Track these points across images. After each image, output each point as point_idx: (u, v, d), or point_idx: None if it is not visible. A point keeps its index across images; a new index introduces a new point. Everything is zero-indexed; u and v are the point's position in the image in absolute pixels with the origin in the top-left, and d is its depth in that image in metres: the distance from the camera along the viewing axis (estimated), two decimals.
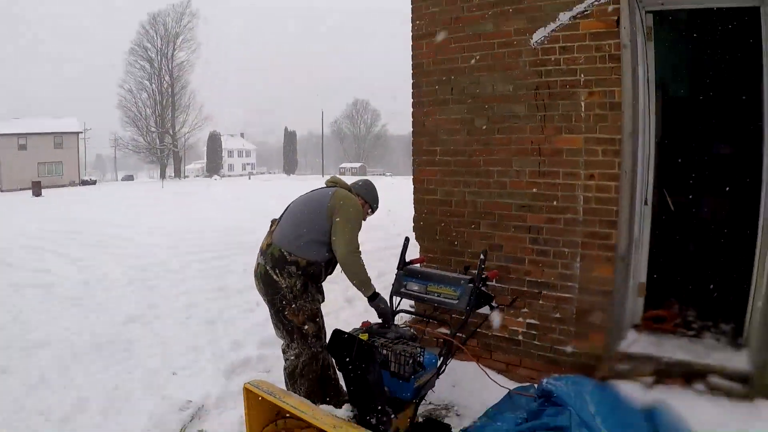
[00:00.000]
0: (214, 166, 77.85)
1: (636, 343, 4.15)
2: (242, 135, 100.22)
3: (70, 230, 11.19)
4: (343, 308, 6.35)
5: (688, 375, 3.88)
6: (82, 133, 55.71)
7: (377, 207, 4.15)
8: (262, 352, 5.19)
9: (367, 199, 4.03)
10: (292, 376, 3.88)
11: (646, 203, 4.09)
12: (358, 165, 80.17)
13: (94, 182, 49.36)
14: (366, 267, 3.75)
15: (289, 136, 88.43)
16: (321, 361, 3.91)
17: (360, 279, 3.72)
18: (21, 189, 37.82)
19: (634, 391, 3.64)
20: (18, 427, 3.89)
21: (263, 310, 6.22)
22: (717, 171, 5.39)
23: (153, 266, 8.09)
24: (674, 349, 4.04)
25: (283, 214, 3.94)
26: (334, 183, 4.02)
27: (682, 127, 5.38)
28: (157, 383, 4.58)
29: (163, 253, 9.01)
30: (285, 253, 3.68)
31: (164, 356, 5.10)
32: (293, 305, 3.71)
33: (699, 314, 4.67)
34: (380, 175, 68.10)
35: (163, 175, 61.96)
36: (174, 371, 4.81)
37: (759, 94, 3.85)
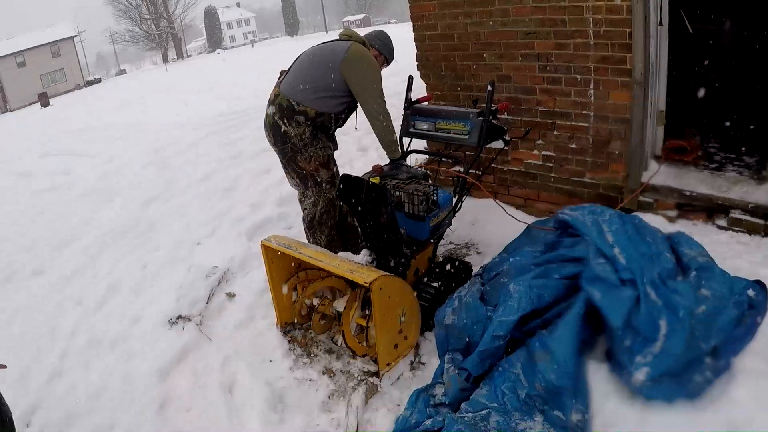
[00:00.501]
0: (215, 41, 75.19)
1: (658, 174, 4.03)
2: (238, 4, 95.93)
3: (82, 129, 11.09)
4: (356, 158, 6.34)
5: (709, 209, 3.81)
6: (77, 36, 53.95)
7: (392, 59, 3.94)
8: (281, 211, 5.26)
9: (382, 51, 3.82)
10: (311, 225, 3.90)
11: (661, 23, 3.77)
12: (361, 17, 76.55)
13: (99, 80, 48.46)
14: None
15: None
16: (338, 208, 3.90)
17: (388, 139, 3.64)
18: (29, 104, 37.57)
19: (655, 224, 3.50)
20: (57, 318, 4.09)
21: (278, 171, 6.24)
22: None
23: (166, 147, 8.01)
24: (696, 183, 3.93)
25: (292, 64, 3.76)
26: (348, 36, 3.77)
27: None
28: (182, 256, 4.68)
29: (175, 131, 8.91)
30: (293, 103, 3.56)
31: (187, 229, 5.17)
32: (304, 153, 3.65)
33: (721, 147, 4.50)
34: (385, 24, 65.32)
35: (165, 60, 60.56)
36: (198, 242, 4.90)
37: None
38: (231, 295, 4.00)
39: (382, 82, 3.61)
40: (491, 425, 2.40)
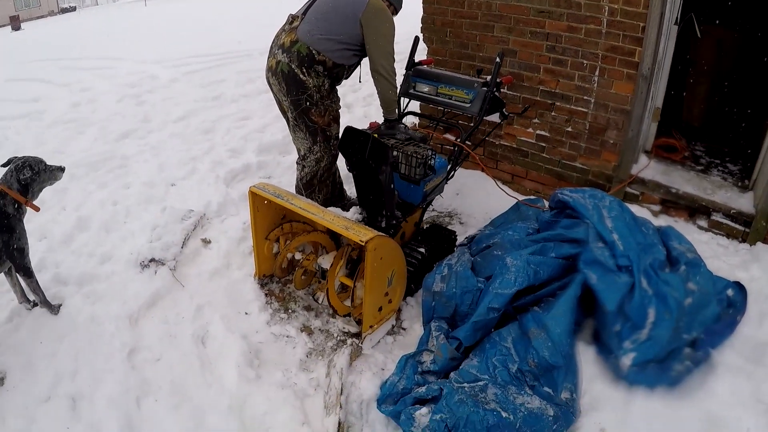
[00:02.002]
0: None
1: (647, 168, 4.08)
2: None
3: (55, 58, 10.56)
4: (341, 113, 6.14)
5: (692, 209, 3.89)
6: None
7: (401, 7, 3.73)
8: (261, 159, 5.11)
9: (392, 1, 3.60)
10: (310, 185, 3.77)
11: (676, 23, 3.77)
12: None
13: (73, 9, 46.56)
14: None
15: None
16: (337, 170, 3.80)
17: (389, 99, 3.49)
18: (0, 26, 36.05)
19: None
20: None
21: (259, 118, 6.17)
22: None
23: (143, 81, 7.71)
24: (682, 182, 3.99)
25: (307, 9, 3.55)
26: None
27: None
28: (157, 196, 4.49)
29: (152, 68, 8.57)
30: (314, 52, 3.39)
31: (162, 169, 4.97)
32: (320, 105, 3.50)
33: (708, 151, 4.58)
34: None
35: None
36: (173, 183, 4.71)
37: None
38: (207, 242, 3.85)
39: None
40: (490, 397, 2.38)
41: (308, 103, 3.49)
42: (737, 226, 3.68)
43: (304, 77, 3.42)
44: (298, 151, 3.78)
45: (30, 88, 7.87)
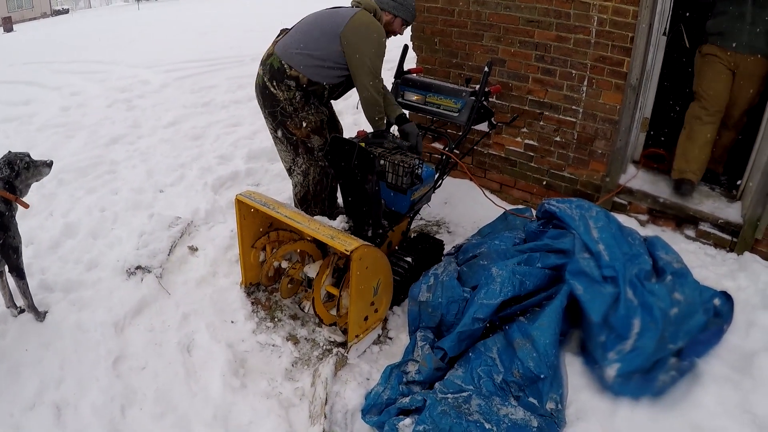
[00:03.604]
0: None
1: (635, 178, 4.09)
2: None
3: (47, 61, 10.51)
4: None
5: (680, 219, 3.90)
6: None
7: (413, 17, 3.61)
8: (250, 166, 5.09)
9: (397, 12, 3.49)
10: (304, 201, 3.74)
11: (665, 33, 3.79)
12: None
13: (66, 11, 46.36)
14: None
15: None
16: (329, 177, 3.74)
17: (372, 117, 3.46)
18: None
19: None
20: None
21: (249, 124, 6.17)
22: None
23: (134, 86, 7.69)
24: (669, 191, 4.00)
25: (295, 25, 3.52)
26: (357, 3, 3.45)
27: None
28: (144, 202, 4.47)
29: (143, 72, 8.56)
30: (285, 66, 3.35)
31: (150, 175, 4.95)
32: (294, 118, 3.45)
33: None
34: None
35: None
36: (161, 189, 4.70)
37: None
38: (193, 249, 3.83)
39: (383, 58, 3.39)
40: (473, 408, 2.37)
41: (281, 116, 3.47)
42: (725, 235, 3.70)
43: (274, 90, 3.40)
44: (285, 165, 3.77)
45: (21, 90, 7.83)
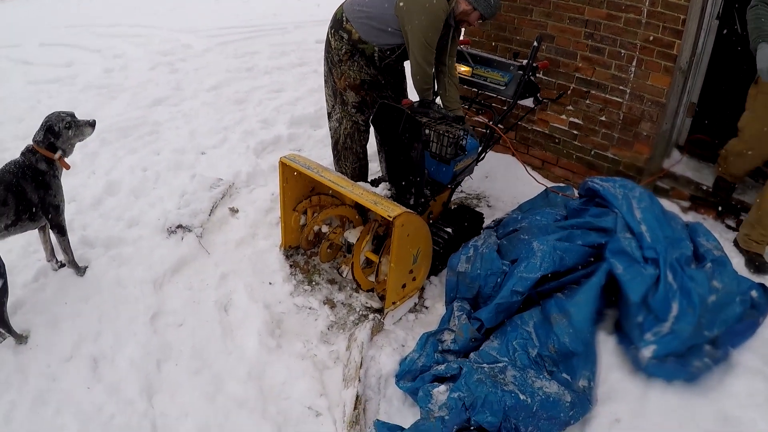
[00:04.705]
0: None
1: (679, 164, 4.05)
2: None
3: (89, 24, 10.58)
4: None
5: (721, 207, 3.84)
6: None
7: (492, 13, 3.37)
8: (293, 131, 5.13)
9: (477, 5, 3.28)
10: (335, 150, 3.80)
11: (717, 18, 3.71)
12: None
13: None
14: None
15: None
16: (363, 138, 3.75)
17: (420, 88, 3.43)
18: None
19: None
20: None
21: (293, 90, 6.22)
22: None
23: (176, 50, 7.71)
24: (712, 180, 3.93)
25: None
26: None
27: None
28: (186, 163, 4.54)
29: (186, 37, 8.58)
30: (344, 18, 3.41)
31: (192, 136, 5.01)
32: (338, 68, 3.53)
33: None
34: None
35: None
36: (203, 151, 4.76)
37: None
38: (234, 211, 3.89)
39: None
40: (509, 378, 2.39)
41: (329, 64, 3.57)
42: None
43: (331, 38, 3.50)
44: (327, 108, 3.84)
45: (63, 53, 7.87)
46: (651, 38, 3.71)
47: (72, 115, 2.98)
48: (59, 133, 2.92)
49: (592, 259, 2.84)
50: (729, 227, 3.78)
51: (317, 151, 4.77)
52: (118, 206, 3.94)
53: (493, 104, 3.88)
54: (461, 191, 4.28)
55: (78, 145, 3.12)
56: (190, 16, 10.70)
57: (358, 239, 3.09)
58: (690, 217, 3.81)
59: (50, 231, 3.13)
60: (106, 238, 3.57)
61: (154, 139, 5.00)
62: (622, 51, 3.86)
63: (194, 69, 6.90)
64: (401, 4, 3.22)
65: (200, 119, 5.39)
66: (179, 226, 3.64)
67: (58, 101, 5.79)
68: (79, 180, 4.20)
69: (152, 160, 4.59)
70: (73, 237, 3.33)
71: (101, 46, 8.21)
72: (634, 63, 3.84)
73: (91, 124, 3.05)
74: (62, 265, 3.25)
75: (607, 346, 2.71)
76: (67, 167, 3.00)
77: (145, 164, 4.50)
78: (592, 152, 4.24)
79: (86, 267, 3.27)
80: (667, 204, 3.73)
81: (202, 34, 8.74)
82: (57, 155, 2.93)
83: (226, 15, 10.53)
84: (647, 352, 2.52)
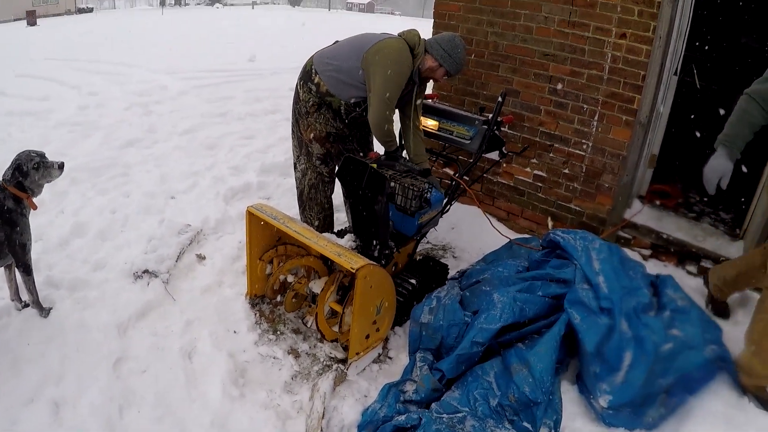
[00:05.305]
0: None
1: (640, 213, 4.15)
2: None
3: (69, 58, 10.63)
4: None
5: (682, 255, 3.94)
6: None
7: (458, 71, 3.52)
8: (262, 179, 5.18)
9: (442, 62, 3.41)
10: (300, 201, 3.86)
11: (676, 73, 3.87)
12: (366, 1, 75.95)
13: (90, 10, 46.69)
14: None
15: None
16: (327, 189, 3.82)
17: (382, 139, 3.47)
18: (15, 19, 36.01)
19: None
20: None
21: (264, 138, 6.30)
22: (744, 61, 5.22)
23: (153, 91, 7.81)
24: (674, 228, 4.06)
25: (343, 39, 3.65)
26: (401, 33, 3.48)
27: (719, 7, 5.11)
28: (156, 207, 4.54)
29: (163, 78, 8.68)
30: (313, 71, 3.51)
31: (163, 180, 5.03)
32: (304, 120, 3.60)
33: (701, 199, 4.67)
34: (388, 14, 65.02)
35: (163, 3, 59.09)
36: (173, 195, 4.77)
37: None
38: (201, 257, 3.90)
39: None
40: (467, 428, 2.41)
41: (297, 114, 3.64)
42: None
43: (299, 89, 3.59)
44: (293, 158, 3.88)
45: (39, 86, 7.90)
46: (612, 93, 3.85)
47: (42, 156, 2.98)
48: (27, 172, 2.91)
49: (553, 310, 2.90)
50: (690, 273, 3.86)
51: (286, 200, 4.81)
52: (85, 248, 3.92)
53: (460, 157, 3.97)
54: (427, 242, 4.33)
55: (48, 183, 3.11)
56: (170, 57, 10.82)
57: (322, 290, 3.10)
58: (651, 265, 3.89)
59: (16, 270, 3.10)
60: (71, 279, 3.53)
61: (125, 181, 5.01)
62: (585, 106, 4.00)
63: (169, 111, 6.97)
64: (367, 57, 3.32)
65: (171, 163, 5.42)
66: (146, 271, 3.63)
67: (30, 136, 5.81)
68: (46, 219, 4.18)
69: (122, 202, 4.59)
70: (38, 277, 3.30)
71: (79, 81, 8.25)
72: (596, 117, 3.98)
73: (60, 167, 3.03)
74: (26, 305, 3.21)
75: (570, 395, 2.76)
76: (35, 207, 2.99)
77: (115, 206, 4.50)
78: (556, 204, 4.35)
79: (50, 308, 3.23)
80: (628, 253, 3.82)
81: (179, 75, 8.86)
82: (27, 195, 2.92)
83: (205, 57, 10.68)
84: (603, 401, 2.58)
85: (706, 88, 5.31)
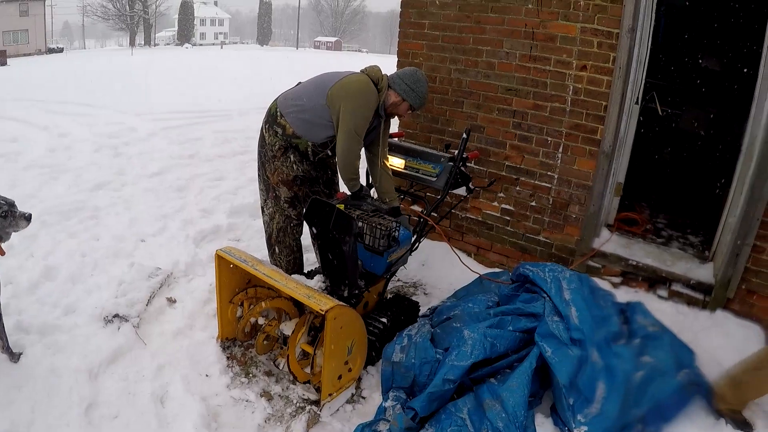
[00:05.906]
0: (185, 35, 74.13)
1: (608, 242, 4.20)
2: (216, 3, 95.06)
3: (38, 99, 10.58)
4: None
5: (652, 280, 4.00)
6: None
7: (421, 104, 3.60)
8: (232, 221, 5.17)
9: (405, 96, 3.49)
10: (269, 244, 3.85)
11: (637, 102, 3.97)
12: (333, 39, 77.49)
13: (61, 50, 46.72)
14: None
15: (265, 6, 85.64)
16: (296, 232, 3.82)
17: (346, 177, 3.51)
18: None
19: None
20: None
21: (233, 179, 6.31)
22: (705, 84, 5.39)
23: (122, 133, 7.80)
24: (643, 254, 4.12)
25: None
26: (363, 70, 3.54)
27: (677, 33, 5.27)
28: (125, 250, 4.50)
29: (132, 120, 8.68)
30: (278, 113, 3.51)
31: (133, 223, 5.00)
32: (271, 164, 3.60)
33: (669, 223, 4.77)
34: (356, 51, 66.20)
35: (132, 43, 59.41)
36: (143, 239, 4.74)
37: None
38: (172, 301, 3.86)
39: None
40: None
41: (263, 158, 3.64)
42: (697, 294, 3.80)
43: (265, 132, 3.58)
44: (260, 201, 3.87)
45: (9, 127, 7.84)
46: (575, 125, 3.95)
47: (11, 205, 2.96)
48: None
49: (524, 344, 2.92)
50: (661, 297, 3.91)
51: (256, 242, 4.80)
52: (55, 291, 3.85)
53: (428, 194, 4.02)
54: (398, 279, 4.35)
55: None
56: (139, 98, 10.83)
57: (293, 331, 3.10)
58: (622, 292, 3.93)
59: None
60: (41, 324, 3.47)
61: (94, 224, 4.96)
62: (549, 138, 4.09)
63: (138, 153, 6.95)
64: (332, 94, 3.36)
65: (141, 206, 5.40)
66: (116, 316, 3.57)
67: (1, 178, 5.72)
68: (16, 262, 4.11)
69: (91, 245, 4.54)
70: (8, 321, 3.24)
71: (48, 123, 8.21)
72: (560, 149, 4.06)
73: (27, 218, 3.01)
74: None
75: (545, 427, 2.76)
76: (2, 253, 2.95)
77: (84, 249, 4.45)
78: (525, 237, 4.41)
79: (20, 353, 3.16)
80: (598, 282, 3.84)
81: (148, 117, 8.87)
82: None
83: (174, 98, 10.70)
84: None
85: (668, 114, 5.48)
